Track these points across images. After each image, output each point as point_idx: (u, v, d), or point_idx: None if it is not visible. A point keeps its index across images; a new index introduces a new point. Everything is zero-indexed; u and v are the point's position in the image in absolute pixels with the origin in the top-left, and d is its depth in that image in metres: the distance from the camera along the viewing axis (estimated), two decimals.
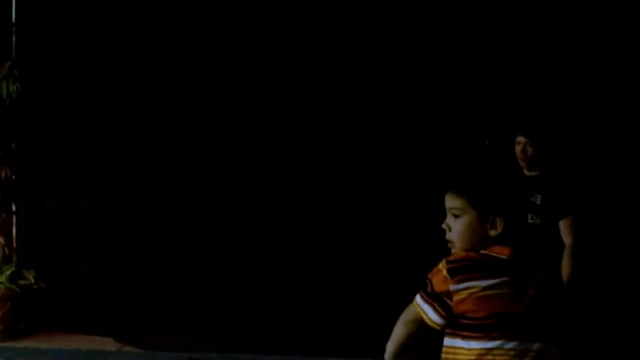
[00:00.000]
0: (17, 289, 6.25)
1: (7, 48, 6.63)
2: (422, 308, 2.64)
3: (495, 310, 2.56)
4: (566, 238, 4.65)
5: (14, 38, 6.67)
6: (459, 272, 2.57)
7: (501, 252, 2.61)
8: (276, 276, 5.91)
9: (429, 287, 2.63)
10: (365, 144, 5.90)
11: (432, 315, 2.62)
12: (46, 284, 6.37)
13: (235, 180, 6.10)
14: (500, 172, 3.37)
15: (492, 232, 2.61)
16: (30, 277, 6.33)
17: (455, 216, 2.66)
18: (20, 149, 6.56)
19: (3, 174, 6.40)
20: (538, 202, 4.70)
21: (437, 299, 2.60)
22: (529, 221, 4.67)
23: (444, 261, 2.61)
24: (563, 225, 4.66)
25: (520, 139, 4.79)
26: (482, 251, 2.63)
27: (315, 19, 5.96)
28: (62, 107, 6.50)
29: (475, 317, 2.56)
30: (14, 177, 6.47)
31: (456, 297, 2.56)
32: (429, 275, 2.64)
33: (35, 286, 6.31)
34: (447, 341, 2.65)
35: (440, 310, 2.60)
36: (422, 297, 2.64)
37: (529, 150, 4.76)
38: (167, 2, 6.27)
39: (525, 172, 4.83)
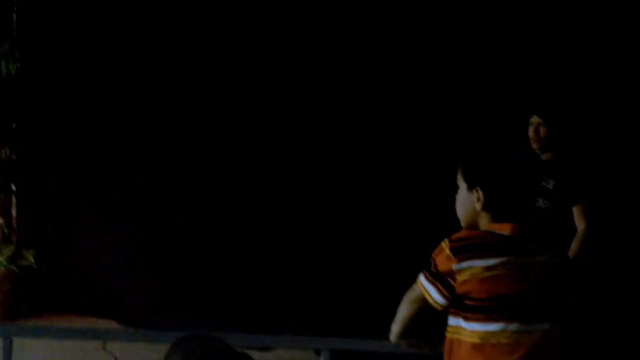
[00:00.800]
0: (17, 270, 6.21)
1: (7, 27, 6.56)
2: (425, 287, 2.64)
3: (496, 292, 2.55)
4: (579, 224, 4.63)
5: (14, 17, 6.61)
6: (461, 250, 2.57)
7: (502, 228, 2.62)
8: (279, 255, 5.88)
9: (433, 266, 2.64)
10: (376, 123, 5.87)
11: (435, 295, 2.62)
12: (47, 265, 6.33)
13: (239, 165, 6.07)
14: (495, 148, 3.40)
15: (478, 205, 2.65)
16: (30, 257, 6.28)
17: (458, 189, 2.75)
18: (21, 128, 6.49)
19: (3, 154, 6.35)
20: (550, 187, 4.68)
21: (440, 279, 2.61)
22: (542, 205, 4.67)
23: (446, 240, 2.63)
24: (576, 211, 4.65)
25: (534, 119, 4.76)
26: (484, 229, 2.64)
27: (318, 17, 5.92)
28: (63, 87, 6.44)
29: (477, 298, 2.55)
30: (14, 156, 6.41)
31: (459, 278, 2.56)
32: (433, 254, 2.65)
33: (35, 267, 6.26)
34: (451, 320, 2.65)
35: (443, 291, 2.60)
36: (426, 277, 2.65)
37: (542, 130, 4.72)
38: None
39: (539, 155, 4.79)
